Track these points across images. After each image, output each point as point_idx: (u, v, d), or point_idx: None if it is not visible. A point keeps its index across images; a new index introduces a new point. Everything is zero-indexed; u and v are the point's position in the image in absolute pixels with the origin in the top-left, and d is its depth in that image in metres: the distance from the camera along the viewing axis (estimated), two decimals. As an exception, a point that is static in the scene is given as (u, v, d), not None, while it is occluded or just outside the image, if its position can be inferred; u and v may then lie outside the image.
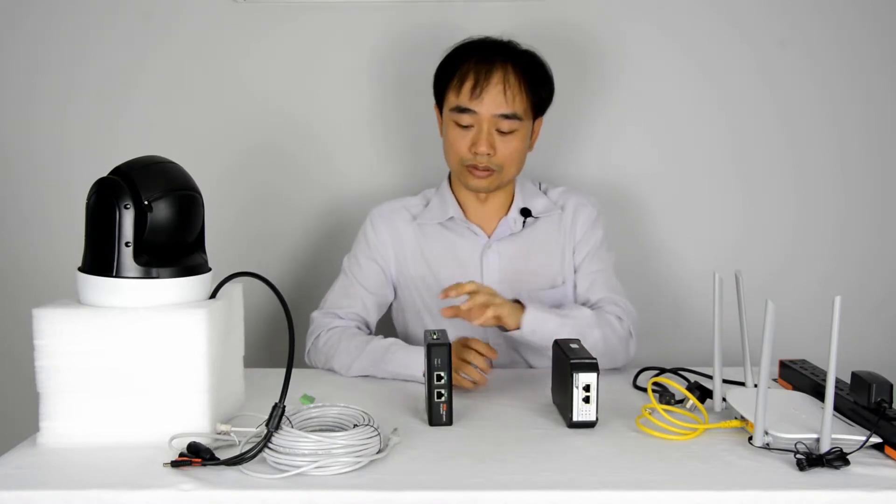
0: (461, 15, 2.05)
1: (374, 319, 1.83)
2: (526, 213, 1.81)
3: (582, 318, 1.65)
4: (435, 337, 1.38)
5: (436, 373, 1.34)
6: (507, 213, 1.82)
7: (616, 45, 2.10)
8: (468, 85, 1.70)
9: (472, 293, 1.53)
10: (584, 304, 1.78)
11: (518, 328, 1.59)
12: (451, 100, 1.73)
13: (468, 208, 1.83)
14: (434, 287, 1.80)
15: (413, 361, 1.59)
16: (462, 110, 1.71)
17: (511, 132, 1.72)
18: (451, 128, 1.75)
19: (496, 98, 1.70)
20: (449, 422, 1.36)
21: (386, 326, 1.90)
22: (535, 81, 1.75)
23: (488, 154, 1.71)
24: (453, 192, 1.84)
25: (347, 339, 1.70)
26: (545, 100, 1.79)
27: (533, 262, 1.80)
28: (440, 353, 1.34)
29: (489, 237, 1.81)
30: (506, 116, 1.70)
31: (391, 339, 1.68)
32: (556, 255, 1.81)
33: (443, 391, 1.35)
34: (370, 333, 1.81)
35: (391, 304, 1.88)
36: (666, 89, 2.11)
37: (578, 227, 1.82)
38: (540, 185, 1.89)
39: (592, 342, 1.61)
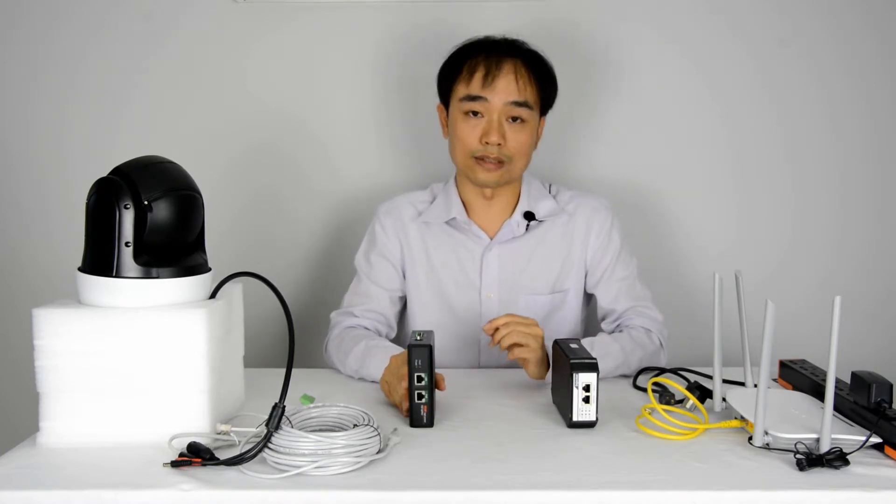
0: (463, 14, 2.05)
1: (392, 314, 1.82)
2: (529, 216, 1.79)
3: (610, 356, 1.62)
4: (418, 338, 1.35)
5: (416, 374, 1.32)
6: (511, 216, 1.80)
7: (614, 46, 2.09)
8: (479, 74, 1.70)
9: (506, 325, 1.52)
10: (609, 316, 1.79)
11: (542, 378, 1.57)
12: (461, 91, 1.72)
13: (473, 209, 1.82)
14: (436, 286, 1.80)
15: (382, 363, 1.55)
16: (473, 98, 1.70)
17: (521, 122, 1.71)
18: (459, 120, 1.73)
19: (508, 86, 1.69)
20: (430, 423, 1.34)
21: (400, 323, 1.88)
22: (543, 77, 1.75)
23: (499, 144, 1.70)
24: (458, 192, 1.83)
25: (350, 340, 1.69)
26: (551, 98, 1.79)
27: (533, 267, 1.79)
28: (420, 353, 1.32)
29: (491, 239, 1.81)
30: (518, 104, 1.70)
31: (378, 340, 1.67)
32: (557, 260, 1.80)
33: (423, 392, 1.32)
34: (391, 328, 1.81)
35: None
36: (663, 89, 2.11)
37: (593, 236, 1.80)
38: (550, 187, 1.87)
39: (628, 370, 1.65)
